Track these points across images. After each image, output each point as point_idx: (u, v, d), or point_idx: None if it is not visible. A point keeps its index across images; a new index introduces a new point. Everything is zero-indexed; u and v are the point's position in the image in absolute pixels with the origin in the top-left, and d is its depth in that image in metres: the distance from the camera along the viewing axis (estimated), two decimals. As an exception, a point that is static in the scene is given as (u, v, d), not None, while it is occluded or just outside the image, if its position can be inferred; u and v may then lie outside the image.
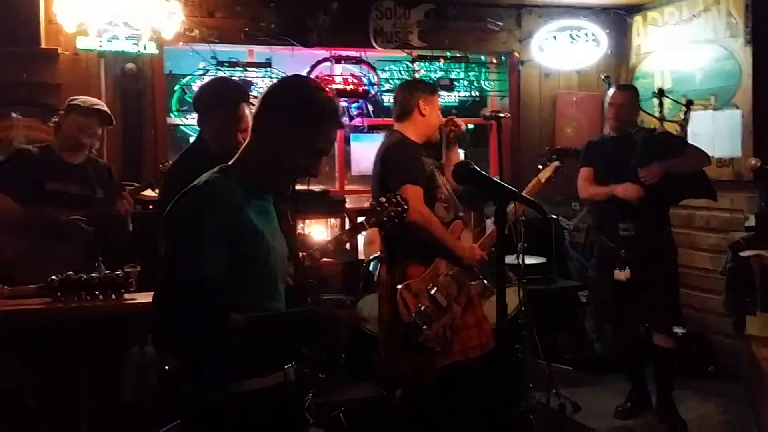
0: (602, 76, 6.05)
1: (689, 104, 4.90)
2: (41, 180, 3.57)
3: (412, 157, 3.53)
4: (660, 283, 4.25)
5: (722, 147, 5.30)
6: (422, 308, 3.43)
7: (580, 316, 5.61)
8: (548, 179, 3.88)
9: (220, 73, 5.42)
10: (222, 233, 1.80)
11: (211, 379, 1.86)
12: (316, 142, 1.92)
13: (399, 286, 3.43)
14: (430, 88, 3.79)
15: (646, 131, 4.45)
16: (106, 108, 3.83)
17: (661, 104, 5.04)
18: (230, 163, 1.97)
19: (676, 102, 5.12)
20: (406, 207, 3.22)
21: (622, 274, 4.20)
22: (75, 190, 3.64)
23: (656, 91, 5.23)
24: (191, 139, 5.62)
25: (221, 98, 3.01)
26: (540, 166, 3.96)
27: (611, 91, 4.51)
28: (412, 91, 3.65)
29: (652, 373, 4.42)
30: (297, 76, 2.13)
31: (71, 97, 3.86)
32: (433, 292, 3.47)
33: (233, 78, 5.08)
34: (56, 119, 3.76)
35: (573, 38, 6.04)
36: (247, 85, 4.82)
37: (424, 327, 3.42)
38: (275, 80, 5.62)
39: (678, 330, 5.18)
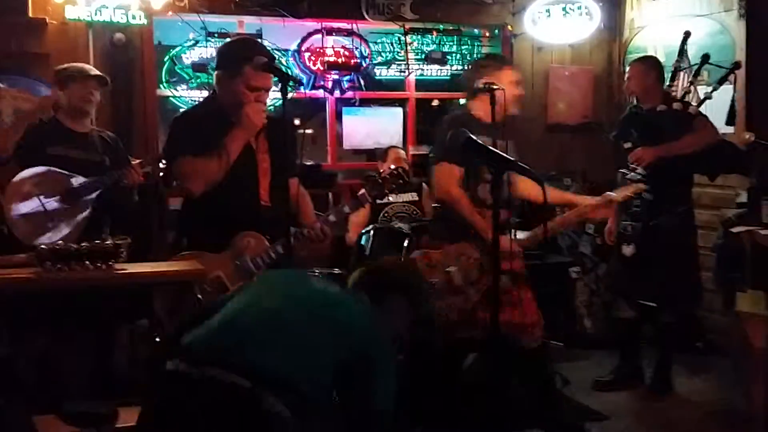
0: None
1: (696, 74, 4.85)
2: (44, 146, 3.74)
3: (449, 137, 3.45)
4: (671, 261, 4.25)
5: (716, 122, 5.27)
6: (432, 280, 3.37)
7: (570, 292, 5.62)
8: (623, 200, 3.74)
9: (210, 45, 5.36)
10: None
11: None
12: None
13: (416, 254, 3.42)
14: (496, 62, 3.67)
15: (679, 101, 4.43)
16: (97, 71, 3.98)
17: (673, 77, 4.94)
18: None
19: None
20: (407, 179, 3.19)
21: (627, 249, 4.24)
22: (79, 155, 3.72)
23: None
24: (181, 111, 5.57)
25: (226, 60, 3.08)
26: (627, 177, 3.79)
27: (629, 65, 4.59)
28: (475, 70, 3.59)
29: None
30: None
31: (60, 68, 3.87)
32: (451, 269, 3.42)
33: (244, 36, 5.07)
34: (51, 93, 3.82)
35: (566, 11, 5.99)
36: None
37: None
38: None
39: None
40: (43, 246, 2.72)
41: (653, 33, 5.92)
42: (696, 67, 4.82)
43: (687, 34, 4.82)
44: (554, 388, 3.72)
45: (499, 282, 1.94)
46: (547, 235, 3.47)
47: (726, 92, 4.84)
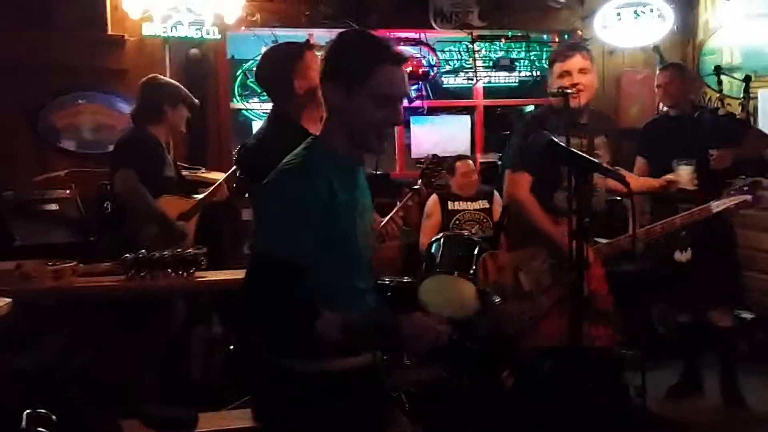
0: (653, 47, 5.84)
1: (747, 80, 4.75)
2: (161, 167, 3.74)
3: (528, 141, 3.29)
4: (719, 263, 4.18)
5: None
6: (500, 281, 3.32)
7: (644, 299, 5.50)
8: (724, 211, 3.48)
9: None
10: (316, 211, 1.80)
11: (300, 355, 1.87)
12: (379, 90, 1.86)
13: (485, 254, 3.37)
14: (566, 50, 3.43)
15: (709, 112, 4.36)
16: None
17: (719, 82, 4.88)
18: (318, 135, 1.97)
19: (735, 78, 4.99)
20: (440, 170, 3.32)
21: (683, 256, 4.12)
22: (173, 175, 3.80)
23: (714, 68, 5.09)
24: (254, 124, 5.69)
25: (281, 64, 3.02)
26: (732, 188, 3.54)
27: (658, 72, 4.48)
28: (550, 63, 3.42)
29: (711, 358, 4.37)
30: (339, 35, 1.98)
31: (164, 83, 3.91)
32: (519, 273, 3.32)
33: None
34: (160, 109, 3.82)
35: (637, 14, 5.89)
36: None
37: (497, 300, 3.34)
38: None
39: (746, 315, 5.06)
40: (127, 255, 2.80)
41: (728, 34, 5.76)
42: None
43: None
44: (629, 397, 3.61)
45: (581, 290, 1.90)
46: (632, 246, 3.33)
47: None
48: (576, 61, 3.29)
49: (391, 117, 1.91)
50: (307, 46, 3.07)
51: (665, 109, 4.58)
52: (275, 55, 3.10)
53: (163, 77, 4.01)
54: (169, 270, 2.81)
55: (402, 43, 5.81)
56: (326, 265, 1.84)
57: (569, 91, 3.18)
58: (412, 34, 5.81)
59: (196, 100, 3.96)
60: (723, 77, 5.03)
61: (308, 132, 3.06)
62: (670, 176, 3.87)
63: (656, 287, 4.63)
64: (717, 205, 3.43)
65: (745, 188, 3.44)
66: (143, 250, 2.83)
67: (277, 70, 3.05)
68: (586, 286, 3.08)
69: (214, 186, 4.00)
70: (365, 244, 1.97)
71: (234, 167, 4.04)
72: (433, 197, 5.27)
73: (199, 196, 3.95)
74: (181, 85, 3.97)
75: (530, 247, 3.37)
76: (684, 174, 3.83)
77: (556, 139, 1.74)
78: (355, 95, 1.86)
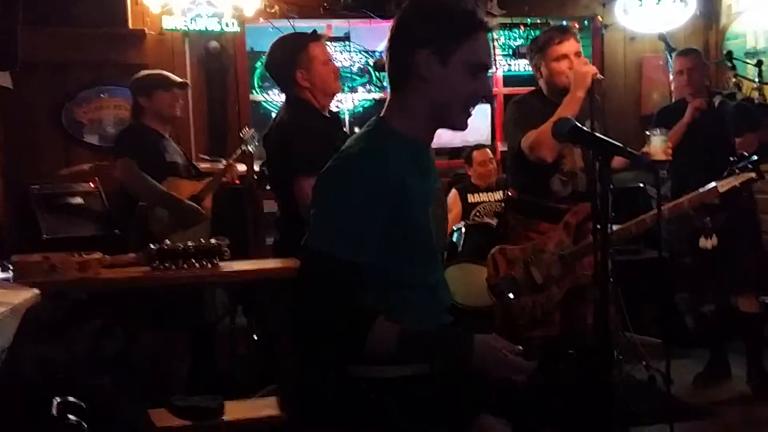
0: (658, 35, 5.76)
1: (760, 64, 4.70)
2: (161, 153, 3.74)
3: (511, 119, 3.38)
4: (743, 247, 4.17)
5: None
6: (513, 276, 3.31)
7: (669, 287, 5.46)
8: (730, 191, 3.40)
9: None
10: (384, 200, 1.62)
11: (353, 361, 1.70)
12: (475, 57, 1.68)
13: (493, 250, 3.36)
14: (557, 33, 3.35)
15: (729, 97, 4.33)
16: (178, 78, 3.97)
17: (733, 67, 4.80)
18: (382, 115, 1.77)
19: (746, 62, 4.95)
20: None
21: (708, 243, 4.07)
22: (181, 161, 3.82)
23: (725, 53, 5.02)
24: (273, 115, 5.69)
25: (285, 55, 3.09)
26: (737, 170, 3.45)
27: (676, 57, 4.44)
28: (539, 49, 3.36)
29: (737, 344, 4.38)
30: (410, 1, 1.77)
31: (141, 75, 3.93)
32: (530, 265, 3.30)
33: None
34: (137, 103, 3.85)
35: None
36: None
37: (510, 295, 3.35)
38: (353, 54, 5.73)
39: (769, 300, 5.02)
40: (151, 246, 2.82)
41: (752, 18, 5.68)
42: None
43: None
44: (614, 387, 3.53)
45: (604, 278, 1.88)
46: (639, 231, 3.29)
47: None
48: (572, 44, 3.27)
49: (483, 88, 1.74)
50: (313, 37, 3.08)
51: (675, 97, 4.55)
52: (280, 46, 3.15)
53: (143, 71, 4.02)
54: (193, 261, 2.83)
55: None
56: (395, 262, 1.66)
57: (600, 76, 3.17)
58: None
59: (179, 79, 3.96)
60: (738, 62, 4.97)
61: (324, 114, 3.11)
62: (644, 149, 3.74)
63: (682, 275, 4.60)
64: (722, 185, 3.41)
65: (749, 166, 3.43)
66: (167, 241, 2.85)
67: (281, 61, 3.10)
68: (591, 271, 3.08)
69: (225, 165, 4.02)
70: (438, 234, 1.80)
71: (242, 147, 4.07)
72: (453, 191, 5.26)
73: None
74: (159, 72, 3.98)
75: (543, 237, 3.36)
76: (656, 144, 3.61)
77: (579, 125, 1.73)
78: (449, 63, 1.67)
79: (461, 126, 1.76)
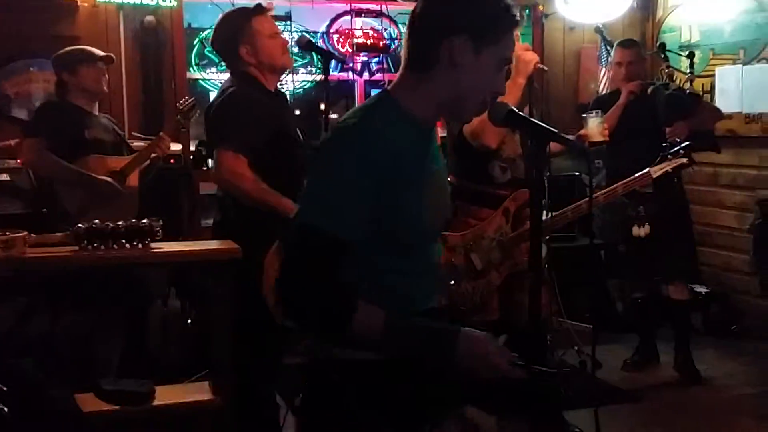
0: (594, 27, 5.86)
1: (692, 56, 4.83)
2: (80, 130, 3.66)
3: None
4: (675, 236, 4.27)
5: (751, 102, 5.20)
6: (453, 263, 3.32)
7: (601, 274, 5.57)
8: (662, 176, 3.48)
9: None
10: (374, 178, 1.56)
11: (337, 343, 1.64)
12: (505, 53, 1.67)
13: None
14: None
15: (663, 87, 4.42)
16: (102, 52, 3.91)
17: (666, 58, 4.90)
18: (390, 90, 1.71)
19: (679, 54, 5.13)
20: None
21: (641, 231, 4.17)
22: (108, 137, 3.72)
23: (658, 45, 5.12)
24: (211, 94, 5.58)
25: (228, 31, 3.02)
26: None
27: (617, 48, 4.53)
28: None
29: (665, 331, 4.50)
30: None
31: (64, 51, 3.85)
32: (470, 252, 3.32)
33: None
34: (61, 79, 3.77)
35: (598, -10, 5.89)
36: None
37: (452, 282, 3.36)
38: (295, 35, 5.64)
39: (701, 289, 5.18)
40: (80, 225, 2.73)
41: (688, 11, 5.81)
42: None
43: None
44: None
45: (537, 263, 1.89)
46: (575, 216, 3.35)
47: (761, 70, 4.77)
48: (516, 34, 3.28)
49: (502, 85, 1.74)
50: (257, 10, 3.01)
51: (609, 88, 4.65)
52: (223, 22, 3.08)
53: (68, 47, 3.94)
54: (123, 241, 2.74)
55: (363, 15, 5.75)
56: (379, 245, 1.61)
57: (544, 67, 3.19)
58: (373, 6, 5.75)
59: (103, 53, 3.89)
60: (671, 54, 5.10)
61: (269, 90, 3.04)
62: (582, 131, 3.76)
63: (615, 262, 4.70)
64: (655, 171, 3.49)
65: (681, 152, 3.52)
66: (96, 221, 2.75)
67: (225, 38, 3.02)
68: (526, 258, 3.11)
69: (155, 139, 3.93)
70: (434, 219, 1.73)
71: (178, 117, 3.99)
72: None
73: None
74: (82, 47, 3.92)
75: (483, 224, 3.37)
76: (593, 125, 3.72)
77: (515, 109, 1.73)
78: (482, 53, 1.63)
79: (467, 119, 1.80)
